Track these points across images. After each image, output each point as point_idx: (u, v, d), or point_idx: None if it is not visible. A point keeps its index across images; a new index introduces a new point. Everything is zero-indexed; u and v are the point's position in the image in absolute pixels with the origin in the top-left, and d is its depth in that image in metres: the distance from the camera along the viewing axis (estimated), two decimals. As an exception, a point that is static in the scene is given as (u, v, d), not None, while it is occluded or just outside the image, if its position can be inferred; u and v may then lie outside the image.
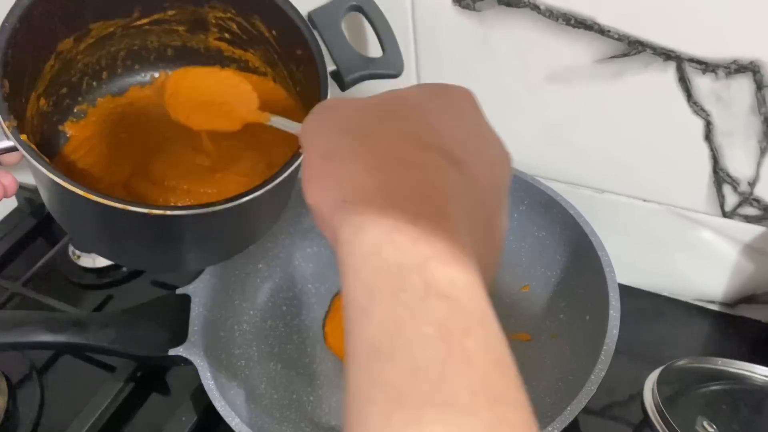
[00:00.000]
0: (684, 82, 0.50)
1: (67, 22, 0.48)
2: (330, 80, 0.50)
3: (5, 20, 0.42)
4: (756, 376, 0.55)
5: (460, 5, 0.55)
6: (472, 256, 0.25)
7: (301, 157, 0.45)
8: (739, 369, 0.55)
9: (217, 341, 0.56)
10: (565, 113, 0.57)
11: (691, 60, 0.49)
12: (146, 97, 0.56)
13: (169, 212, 0.41)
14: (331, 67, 0.51)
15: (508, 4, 0.53)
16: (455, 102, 0.32)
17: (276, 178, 0.44)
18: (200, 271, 0.59)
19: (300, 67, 0.52)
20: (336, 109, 0.32)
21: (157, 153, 0.54)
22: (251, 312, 0.62)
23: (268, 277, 0.64)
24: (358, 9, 0.54)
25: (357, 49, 0.52)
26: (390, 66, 0.53)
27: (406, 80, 0.62)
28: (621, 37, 0.50)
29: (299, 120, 0.54)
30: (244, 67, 0.56)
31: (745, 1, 0.45)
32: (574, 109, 0.56)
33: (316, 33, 0.51)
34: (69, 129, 0.53)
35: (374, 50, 0.53)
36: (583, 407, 0.47)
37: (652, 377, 0.52)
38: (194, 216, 0.42)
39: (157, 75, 0.57)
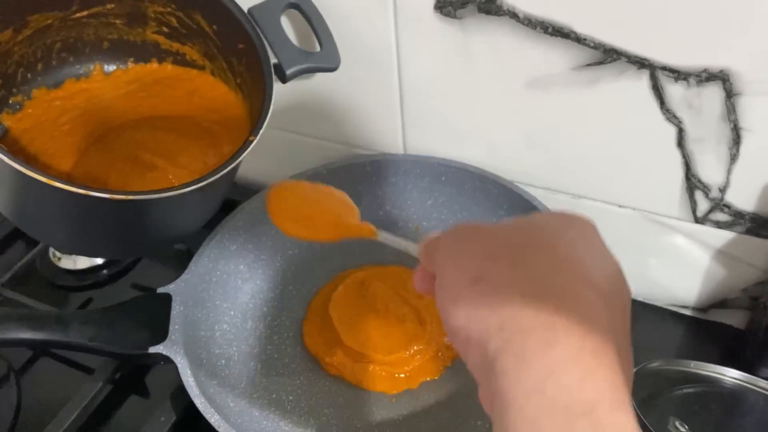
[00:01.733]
0: (657, 89, 0.52)
1: (6, 13, 0.48)
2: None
3: None
4: (727, 378, 0.56)
5: (441, 12, 0.56)
6: (629, 396, 0.25)
7: (247, 150, 0.47)
8: (710, 372, 0.56)
9: (197, 340, 0.57)
10: (542, 119, 0.59)
11: (664, 68, 0.50)
12: (85, 91, 0.56)
13: (131, 197, 0.42)
14: (272, 60, 0.52)
15: (488, 12, 0.54)
16: (586, 232, 0.33)
17: (224, 168, 0.45)
18: (181, 271, 0.59)
19: (242, 60, 0.53)
20: (477, 233, 0.32)
21: (98, 146, 0.54)
22: (232, 312, 0.62)
23: (249, 278, 0.65)
24: (295, 6, 0.56)
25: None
26: (328, 60, 0.56)
27: (390, 84, 0.63)
28: (597, 45, 0.52)
29: (239, 112, 0.56)
30: (181, 60, 0.57)
31: (716, 12, 0.46)
32: (551, 115, 0.58)
33: (257, 28, 0.52)
34: (4, 120, 0.52)
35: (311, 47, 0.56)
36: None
37: (626, 378, 0.53)
38: (142, 201, 0.42)
39: (92, 67, 0.57)
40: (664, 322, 0.66)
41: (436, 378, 0.58)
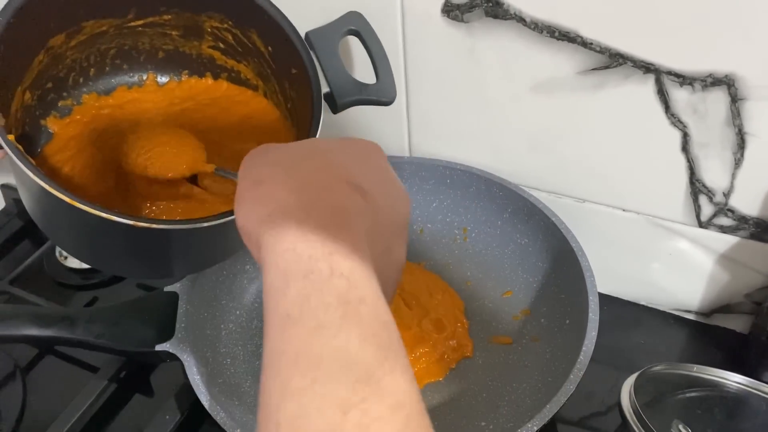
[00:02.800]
0: (662, 94, 0.52)
1: (61, 18, 0.47)
2: (323, 102, 0.50)
3: (0, 14, 0.42)
4: (730, 383, 0.56)
5: (448, 16, 0.56)
6: (369, 260, 0.31)
7: None
8: (713, 376, 0.56)
9: (203, 339, 0.57)
10: (547, 123, 0.59)
11: (670, 73, 0.51)
12: (135, 101, 0.55)
13: (155, 226, 0.41)
14: (324, 89, 0.51)
15: (495, 16, 0.54)
16: (364, 149, 0.38)
17: None
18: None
19: (293, 86, 0.52)
20: (269, 149, 0.37)
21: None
22: (237, 312, 0.63)
23: (254, 278, 0.65)
24: (356, 34, 0.54)
25: (350, 73, 0.52)
26: (383, 93, 0.54)
27: (396, 84, 0.63)
28: (603, 50, 0.52)
29: (287, 139, 0.54)
30: (235, 78, 0.56)
31: (721, 17, 0.47)
32: (556, 119, 0.58)
33: (312, 53, 0.50)
34: (51, 125, 0.52)
35: (366, 75, 0.54)
36: (561, 405, 0.48)
37: (630, 381, 0.53)
38: (178, 231, 0.42)
39: (145, 77, 0.56)
40: (668, 326, 0.66)
41: (440, 379, 0.58)
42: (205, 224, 0.42)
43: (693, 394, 0.56)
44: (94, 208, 0.39)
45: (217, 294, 0.61)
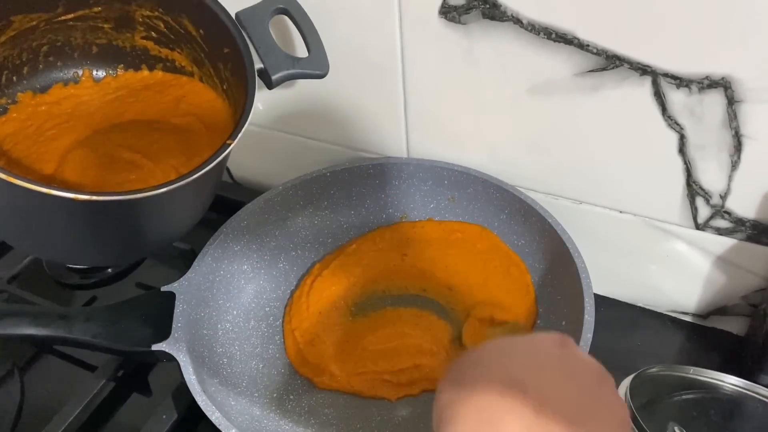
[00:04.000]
0: (659, 96, 0.52)
1: None
2: (258, 80, 0.51)
3: None
4: (726, 385, 0.56)
5: (446, 18, 0.56)
6: None
7: (225, 152, 0.47)
8: (710, 378, 0.56)
9: (200, 339, 0.57)
10: (544, 125, 0.59)
11: (666, 75, 0.51)
12: (73, 96, 0.55)
13: (95, 197, 0.40)
14: (258, 65, 0.52)
15: (492, 18, 0.54)
16: (544, 343, 0.39)
17: (198, 171, 0.44)
18: (185, 271, 0.59)
19: (227, 65, 0.53)
20: (461, 367, 0.38)
21: (81, 149, 0.53)
22: (234, 312, 0.63)
23: (252, 278, 0.65)
24: (284, 12, 0.55)
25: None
26: (316, 66, 0.55)
27: (394, 89, 0.64)
28: (599, 52, 0.52)
29: (224, 117, 0.54)
30: (170, 66, 0.56)
31: (718, 20, 0.47)
32: (553, 120, 0.58)
33: (243, 32, 0.51)
34: None
35: (300, 52, 0.55)
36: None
37: (626, 383, 0.53)
38: (119, 201, 0.42)
39: (80, 73, 0.56)
40: (664, 328, 0.66)
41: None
42: (145, 194, 0.42)
43: (689, 396, 0.56)
44: (36, 184, 0.39)
45: (213, 294, 0.61)
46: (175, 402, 0.58)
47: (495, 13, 0.54)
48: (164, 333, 0.55)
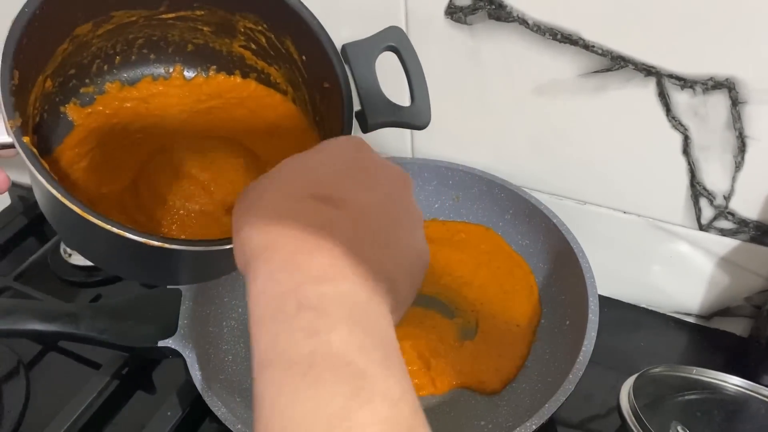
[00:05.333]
0: (663, 97, 0.53)
1: (89, 7, 0.46)
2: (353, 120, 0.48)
3: (25, 5, 0.40)
4: (729, 385, 0.56)
5: (452, 18, 0.57)
6: (350, 273, 0.30)
7: None
8: (712, 378, 0.56)
9: (205, 335, 0.57)
10: (549, 125, 0.59)
11: (671, 76, 0.51)
12: (160, 95, 0.53)
13: (167, 245, 0.39)
14: (357, 107, 0.48)
15: (498, 19, 0.55)
16: (338, 149, 0.37)
17: None
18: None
19: (324, 100, 0.50)
20: (247, 191, 0.36)
21: (158, 162, 0.51)
22: (240, 309, 0.63)
23: (257, 276, 0.65)
24: (395, 50, 0.51)
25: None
26: (417, 118, 0.51)
27: (399, 85, 0.64)
28: (604, 53, 0.52)
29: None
30: (264, 79, 0.54)
31: (722, 21, 0.47)
32: (558, 121, 0.59)
33: (347, 67, 0.48)
34: (71, 112, 0.50)
35: (398, 94, 0.52)
36: (560, 405, 0.48)
37: (629, 382, 0.54)
38: (189, 251, 0.41)
39: (172, 69, 0.54)
40: (668, 328, 0.66)
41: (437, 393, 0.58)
42: (215, 248, 0.41)
43: (692, 397, 0.56)
44: (106, 222, 0.38)
45: (219, 291, 0.61)
46: (180, 399, 0.58)
47: (501, 14, 0.54)
48: (170, 330, 0.55)
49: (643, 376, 0.54)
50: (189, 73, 0.55)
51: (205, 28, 0.52)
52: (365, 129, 0.50)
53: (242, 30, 0.52)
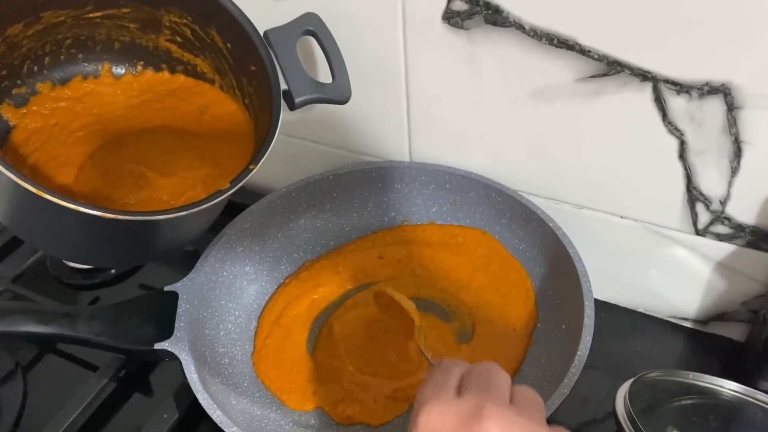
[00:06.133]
0: (660, 102, 0.53)
1: (20, 8, 0.47)
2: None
3: None
4: (725, 390, 0.56)
5: (449, 23, 0.57)
6: None
7: (246, 178, 0.48)
8: (709, 383, 0.56)
9: (202, 338, 0.57)
10: (546, 130, 0.60)
11: (667, 81, 0.51)
12: (93, 93, 0.55)
13: (121, 216, 0.42)
14: (283, 87, 0.52)
15: (495, 24, 0.55)
16: None
17: (219, 196, 0.45)
18: (188, 272, 0.60)
19: (252, 82, 0.53)
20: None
21: (102, 154, 0.53)
22: (236, 313, 0.63)
23: (254, 279, 0.65)
24: (313, 34, 0.55)
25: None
26: (339, 93, 0.55)
27: (397, 93, 0.64)
28: (601, 57, 0.53)
29: (245, 131, 0.54)
30: (191, 71, 0.56)
31: (718, 26, 0.47)
32: (554, 125, 0.59)
33: (271, 51, 0.51)
34: (5, 113, 0.51)
35: (322, 76, 0.55)
36: (555, 408, 0.48)
37: (625, 387, 0.54)
38: (142, 221, 0.43)
39: (100, 67, 0.56)
40: (665, 333, 0.66)
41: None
42: (163, 217, 0.43)
43: (688, 402, 0.56)
44: (64, 200, 0.39)
45: (216, 294, 0.62)
46: (177, 401, 0.58)
47: (497, 19, 0.55)
48: (167, 332, 0.55)
49: (640, 380, 0.54)
50: (118, 70, 0.57)
51: (131, 25, 0.54)
52: (292, 106, 0.53)
53: (167, 24, 0.54)
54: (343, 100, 0.56)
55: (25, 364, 0.66)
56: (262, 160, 0.49)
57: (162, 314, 0.56)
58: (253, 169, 0.48)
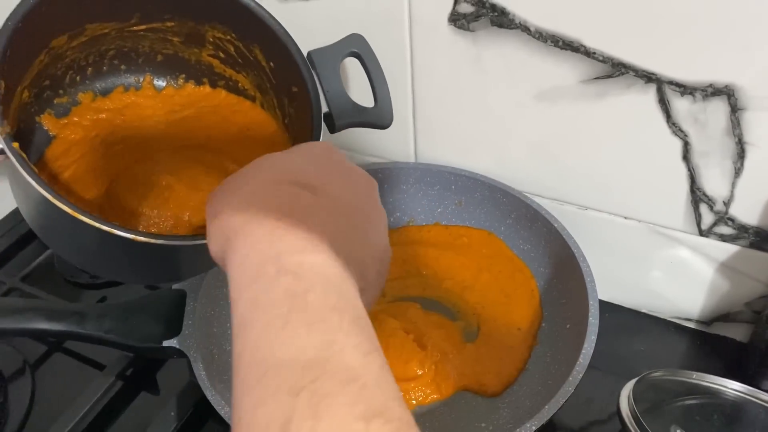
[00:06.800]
0: (664, 103, 0.53)
1: (65, 20, 0.47)
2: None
3: (8, 19, 0.42)
4: (728, 390, 0.56)
5: (455, 25, 0.58)
6: (325, 251, 0.32)
7: None
8: (712, 383, 0.57)
9: (210, 336, 0.58)
10: (551, 131, 0.60)
11: (671, 82, 0.52)
12: (134, 105, 0.55)
13: (153, 240, 0.42)
14: (324, 109, 0.51)
15: (501, 26, 0.56)
16: (313, 151, 0.40)
17: None
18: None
19: (292, 103, 0.53)
20: (226, 181, 0.38)
21: (137, 168, 0.53)
22: (244, 312, 0.63)
23: (261, 278, 0.66)
24: (357, 56, 0.54)
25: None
26: (380, 118, 0.55)
27: (403, 94, 0.65)
28: (605, 59, 0.53)
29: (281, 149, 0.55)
30: (233, 87, 0.56)
31: (722, 29, 0.48)
32: (559, 127, 0.59)
33: (313, 72, 0.51)
34: (46, 123, 0.52)
35: (362, 97, 0.55)
36: (560, 406, 0.49)
37: (629, 386, 0.54)
38: (176, 246, 0.43)
39: (142, 79, 0.56)
40: (668, 334, 0.66)
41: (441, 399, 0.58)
42: (199, 242, 0.42)
43: (692, 401, 0.57)
44: (97, 221, 0.40)
45: (224, 292, 0.62)
46: (183, 400, 0.59)
47: (503, 21, 0.55)
48: (175, 330, 0.56)
49: (643, 380, 0.54)
50: (159, 82, 0.57)
51: (174, 39, 0.54)
52: (333, 130, 0.53)
53: (211, 40, 0.54)
54: (384, 126, 0.55)
55: (33, 362, 0.66)
56: None
57: (170, 312, 0.57)
58: None
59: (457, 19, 0.57)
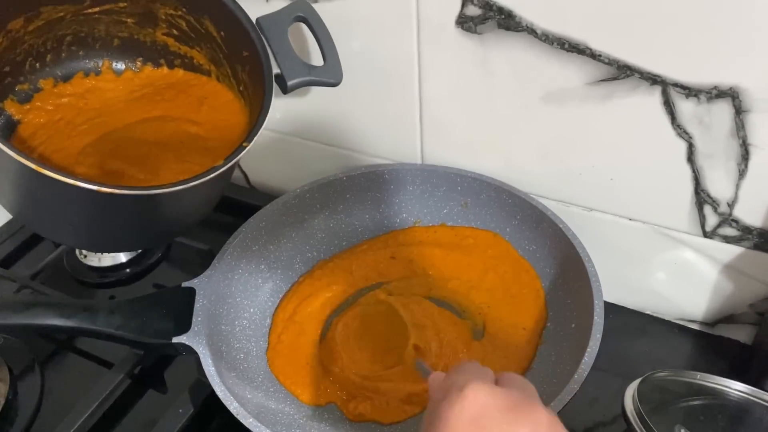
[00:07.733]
0: (669, 105, 0.54)
1: (20, 2, 0.49)
2: (274, 83, 0.53)
3: None
4: (732, 391, 0.56)
5: (462, 27, 0.58)
6: None
7: (240, 155, 0.49)
8: (716, 384, 0.57)
9: (218, 333, 0.58)
10: (556, 133, 0.61)
11: (676, 85, 0.52)
12: (95, 89, 0.57)
13: (118, 191, 0.43)
14: (275, 71, 0.53)
15: (507, 28, 0.56)
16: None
17: (213, 172, 0.47)
18: (206, 266, 0.61)
19: (246, 68, 0.55)
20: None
21: (102, 143, 0.54)
22: (251, 309, 0.64)
23: (269, 277, 0.67)
24: (303, 20, 0.57)
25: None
26: (330, 75, 0.57)
27: (410, 96, 0.65)
28: (611, 62, 0.54)
29: (240, 119, 0.56)
30: (189, 64, 0.58)
31: (726, 31, 0.48)
32: (565, 129, 0.60)
33: (263, 38, 0.53)
34: (9, 108, 0.53)
35: (316, 60, 0.57)
36: (564, 404, 0.49)
37: (633, 385, 0.54)
38: (138, 196, 0.44)
39: (101, 63, 0.58)
40: (672, 335, 0.67)
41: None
42: (164, 190, 0.44)
43: (696, 402, 0.57)
44: (85, 182, 0.41)
45: (232, 291, 0.63)
46: (192, 397, 0.59)
47: (510, 24, 0.56)
48: (184, 327, 0.56)
49: (648, 380, 0.55)
50: (118, 66, 0.59)
51: (128, 20, 0.56)
52: (285, 89, 0.55)
53: (163, 17, 0.55)
54: (334, 82, 0.58)
55: (42, 360, 0.67)
56: (255, 138, 0.50)
57: (180, 309, 0.57)
58: (246, 147, 0.49)
59: (464, 22, 0.58)
